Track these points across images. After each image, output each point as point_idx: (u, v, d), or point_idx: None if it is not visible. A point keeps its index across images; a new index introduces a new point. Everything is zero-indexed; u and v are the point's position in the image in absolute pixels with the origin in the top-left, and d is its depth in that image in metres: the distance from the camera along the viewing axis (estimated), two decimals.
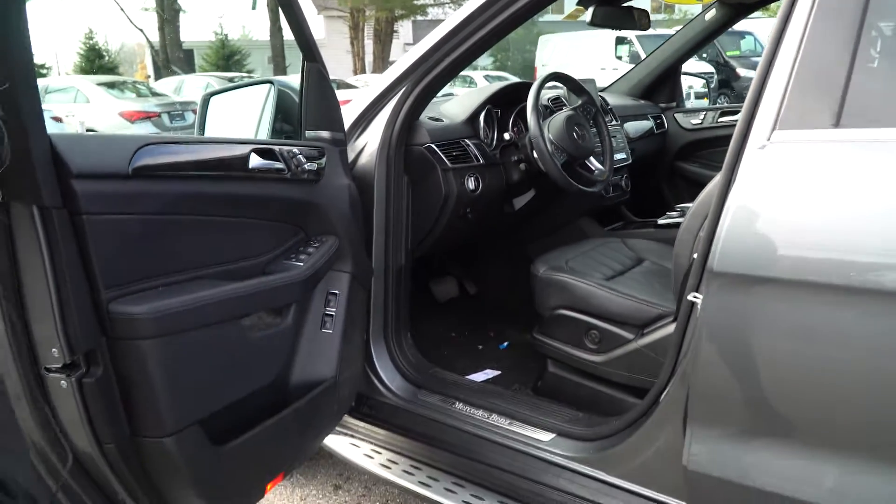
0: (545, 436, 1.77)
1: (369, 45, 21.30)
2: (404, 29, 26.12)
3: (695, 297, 1.36)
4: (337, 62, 20.37)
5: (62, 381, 1.14)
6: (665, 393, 1.49)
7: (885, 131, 1.17)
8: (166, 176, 1.28)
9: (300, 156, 1.57)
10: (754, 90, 1.29)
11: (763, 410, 1.30)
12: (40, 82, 11.31)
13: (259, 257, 1.54)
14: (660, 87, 3.15)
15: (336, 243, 1.70)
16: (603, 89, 3.13)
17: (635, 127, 2.85)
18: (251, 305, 1.45)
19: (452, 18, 1.79)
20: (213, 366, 1.37)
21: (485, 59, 22.37)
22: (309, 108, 1.71)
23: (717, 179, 1.34)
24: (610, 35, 15.28)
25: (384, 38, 19.98)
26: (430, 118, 2.12)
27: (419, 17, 22.48)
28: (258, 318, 1.50)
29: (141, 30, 20.34)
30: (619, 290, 1.85)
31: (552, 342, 1.97)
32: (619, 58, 15.85)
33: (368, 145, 1.90)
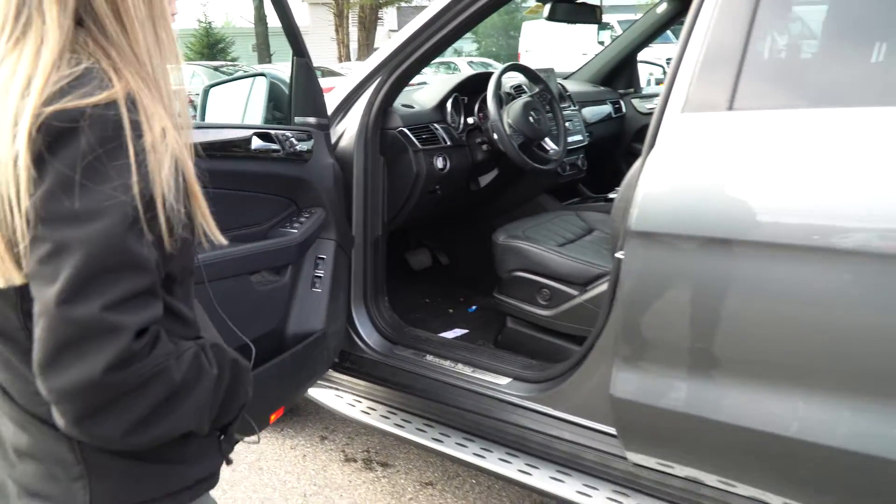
0: (503, 380, 2.04)
1: (354, 32, 21.39)
2: (389, 16, 26.16)
3: (620, 254, 1.63)
4: (322, 49, 20.43)
5: None
6: (599, 337, 1.75)
7: (767, 112, 1.45)
8: None
9: (292, 138, 1.83)
10: (669, 78, 1.56)
11: (671, 344, 1.58)
12: None
13: (261, 225, 1.81)
14: (618, 74, 3.41)
15: (323, 215, 1.96)
16: (566, 77, 3.39)
17: (593, 111, 3.11)
18: (258, 263, 1.72)
19: (420, 18, 2.05)
20: (231, 311, 1.64)
21: (469, 46, 22.51)
22: (297, 97, 1.96)
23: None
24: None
25: (369, 26, 20.07)
26: (403, 105, 2.38)
27: (403, 4, 22.55)
28: (262, 276, 1.77)
29: None
30: (567, 254, 2.13)
31: (510, 300, 2.24)
32: (601, 43, 16.05)
33: (348, 129, 2.16)
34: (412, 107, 2.41)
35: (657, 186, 1.51)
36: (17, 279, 0.67)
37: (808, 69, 1.50)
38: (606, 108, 3.25)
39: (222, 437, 0.88)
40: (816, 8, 1.61)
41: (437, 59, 18.50)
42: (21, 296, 0.71)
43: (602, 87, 3.37)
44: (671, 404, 1.59)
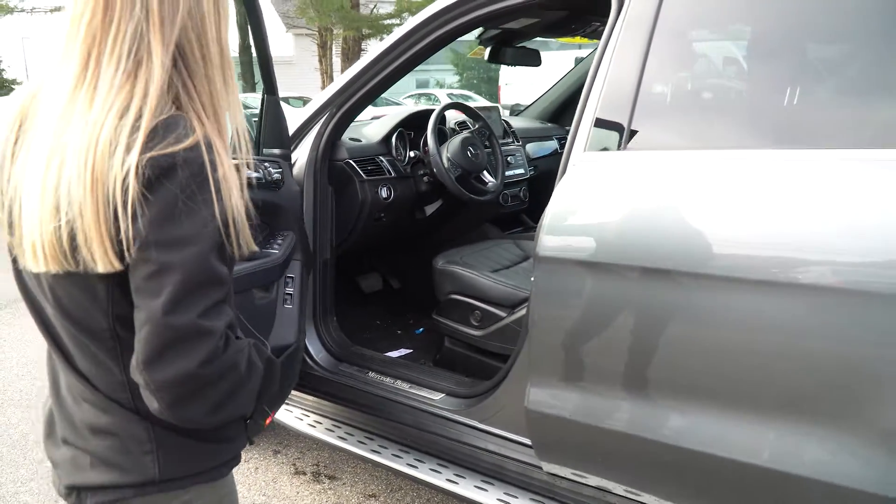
0: (437, 395, 2.18)
1: (337, 62, 21.67)
2: (372, 47, 26.50)
3: (533, 278, 1.80)
4: (305, 79, 20.67)
5: None
6: (519, 355, 1.91)
7: (652, 153, 1.64)
8: None
9: (270, 167, 1.99)
10: (576, 120, 1.75)
11: (573, 360, 1.74)
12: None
13: None
14: (566, 111, 3.61)
15: (293, 237, 2.11)
16: (518, 113, 3.59)
17: (540, 147, 3.31)
18: (258, 280, 1.87)
19: (363, 59, 2.23)
20: (240, 323, 1.80)
21: (451, 78, 22.87)
22: (266, 130, 2.13)
23: None
24: (570, 54, 15.92)
25: (352, 56, 20.34)
26: (351, 138, 2.56)
27: (385, 36, 22.85)
28: (257, 292, 1.92)
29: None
30: (499, 279, 2.30)
31: (446, 321, 2.40)
32: None
33: (300, 159, 2.33)
34: (360, 140, 2.59)
35: (559, 217, 1.69)
36: (117, 265, 0.82)
37: (687, 116, 1.69)
38: (553, 144, 3.45)
39: (248, 422, 1.07)
40: (700, 62, 1.81)
41: (418, 91, 18.85)
42: (112, 301, 0.88)
43: (549, 124, 3.57)
44: (575, 416, 1.74)
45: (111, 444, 0.94)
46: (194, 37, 0.89)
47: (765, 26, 1.70)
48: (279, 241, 2.02)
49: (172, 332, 0.81)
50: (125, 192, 0.78)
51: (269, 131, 2.12)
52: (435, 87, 21.61)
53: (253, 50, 1.83)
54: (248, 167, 0.96)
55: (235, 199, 0.86)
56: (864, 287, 1.30)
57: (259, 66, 2.04)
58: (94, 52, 0.84)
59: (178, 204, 0.81)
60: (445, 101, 17.17)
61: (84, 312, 0.90)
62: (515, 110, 3.25)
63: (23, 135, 0.88)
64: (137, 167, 0.79)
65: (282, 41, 20.08)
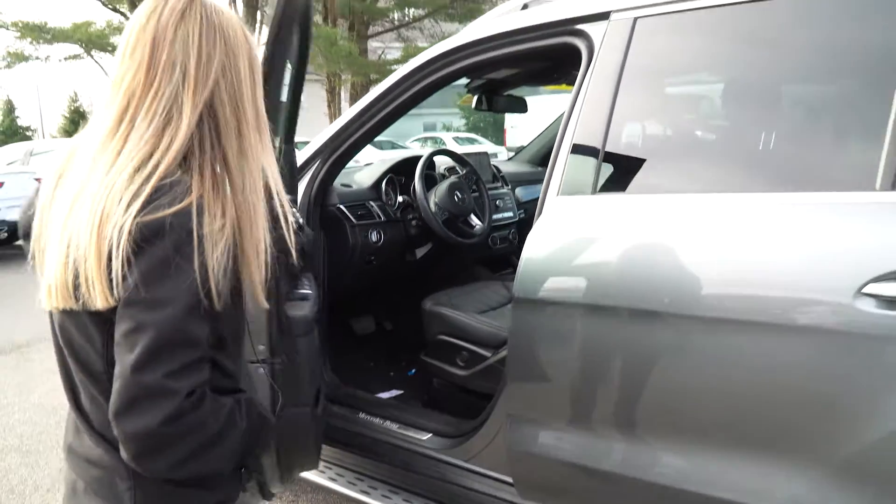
0: (424, 436, 2.22)
1: (346, 107, 22.06)
2: None
3: (511, 319, 1.85)
4: (315, 125, 20.99)
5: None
6: (501, 395, 1.95)
7: (621, 196, 1.71)
8: None
9: (296, 212, 2.06)
10: (550, 165, 1.82)
11: (551, 398, 1.78)
12: (25, 146, 11.67)
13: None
14: None
15: (312, 278, 2.17)
16: (510, 158, 3.67)
17: (528, 191, 3.38)
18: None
19: (352, 109, 2.32)
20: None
21: (457, 121, 23.19)
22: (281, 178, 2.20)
23: None
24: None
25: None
26: (343, 184, 2.65)
27: None
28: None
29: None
30: (485, 320, 2.35)
31: (434, 362, 2.44)
32: None
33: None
34: (351, 186, 2.67)
35: (532, 260, 1.75)
36: (112, 301, 0.88)
37: (654, 161, 1.76)
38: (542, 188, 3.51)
39: (242, 471, 1.11)
40: (665, 109, 1.89)
41: (425, 135, 19.12)
42: (106, 346, 0.94)
43: (540, 168, 3.64)
44: (554, 454, 1.78)
45: (100, 476, 1.01)
46: (227, 97, 0.98)
47: (726, 75, 1.79)
48: (305, 283, 2.08)
49: (138, 389, 0.86)
50: (119, 248, 0.86)
51: (284, 178, 2.20)
52: (442, 130, 21.89)
53: (283, 97, 1.90)
54: (287, 214, 1.06)
55: (218, 256, 0.91)
56: (813, 322, 1.36)
57: (287, 116, 2.11)
58: (132, 107, 0.93)
59: (160, 267, 0.87)
60: (452, 144, 17.46)
61: (85, 354, 0.97)
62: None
63: (61, 183, 0.97)
64: (130, 229, 0.86)
65: None
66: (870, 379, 1.31)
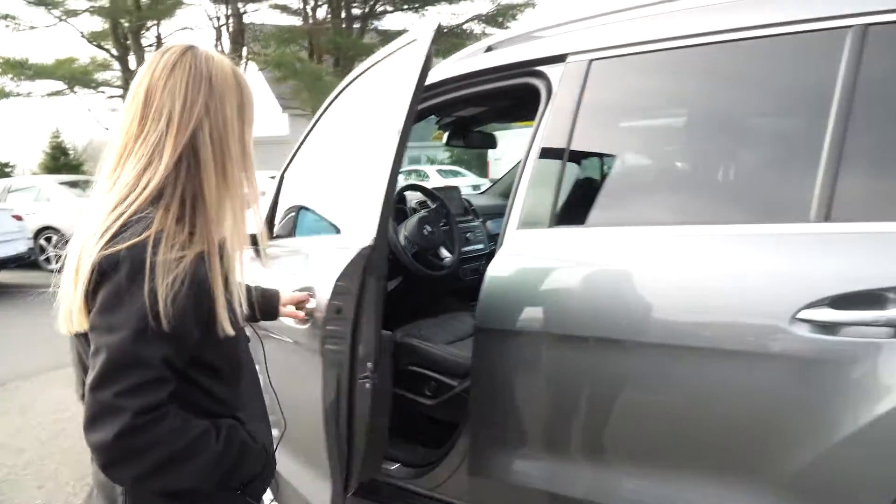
0: (392, 465, 2.26)
1: None
2: None
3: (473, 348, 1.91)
4: None
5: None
6: (465, 423, 2.00)
7: (575, 228, 1.78)
8: None
9: None
10: (510, 199, 1.89)
11: (511, 425, 1.83)
12: (2, 182, 11.63)
13: None
14: None
15: None
16: (484, 192, 3.75)
17: (499, 223, 3.42)
18: None
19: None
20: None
21: (441, 154, 23.39)
22: None
23: None
24: None
25: None
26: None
27: None
28: None
29: (108, 128, 21.05)
30: (451, 350, 2.39)
31: (403, 392, 2.48)
32: None
33: None
34: None
35: (490, 292, 1.81)
36: (87, 326, 1.00)
37: (607, 194, 1.84)
38: None
39: (240, 491, 1.14)
40: (618, 144, 1.98)
41: (409, 168, 19.27)
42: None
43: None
44: (515, 480, 1.82)
45: (105, 484, 1.09)
46: (211, 137, 1.06)
47: (673, 113, 1.88)
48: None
49: (95, 406, 0.95)
50: (87, 279, 0.97)
51: None
52: (426, 163, 22.08)
53: None
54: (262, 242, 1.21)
55: (168, 282, 0.96)
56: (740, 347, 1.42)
57: None
58: (126, 152, 1.05)
59: (114, 295, 0.96)
60: (436, 176, 17.61)
61: (86, 373, 1.03)
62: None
63: (81, 218, 1.08)
64: (94, 262, 0.96)
65: (278, 121, 20.68)
66: (806, 398, 1.37)
